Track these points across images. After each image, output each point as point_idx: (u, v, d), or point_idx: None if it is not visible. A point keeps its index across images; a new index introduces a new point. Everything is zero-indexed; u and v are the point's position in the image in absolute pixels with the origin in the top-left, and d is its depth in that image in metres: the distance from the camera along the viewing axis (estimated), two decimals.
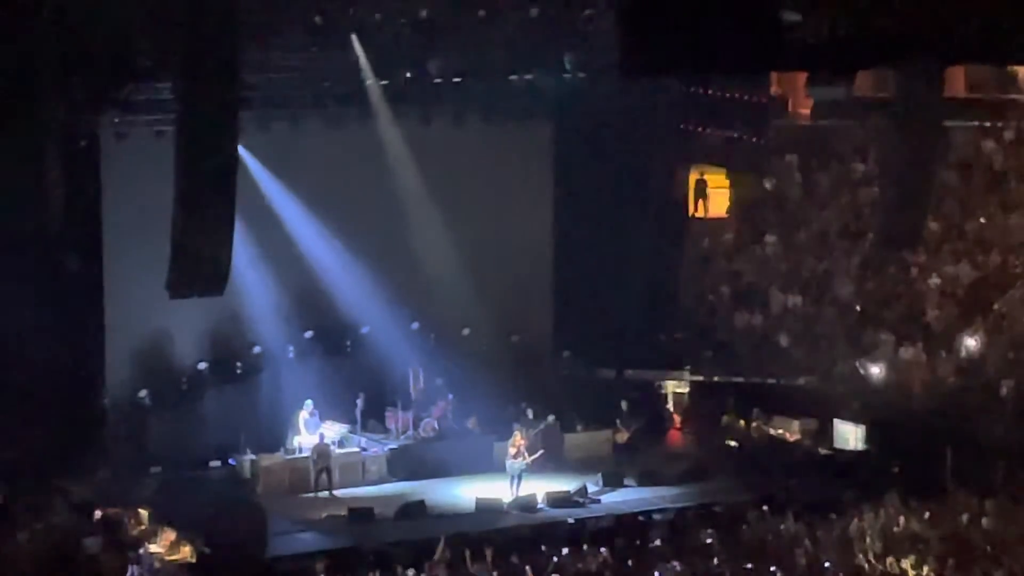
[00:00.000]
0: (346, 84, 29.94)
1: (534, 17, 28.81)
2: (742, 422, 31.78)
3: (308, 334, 31.42)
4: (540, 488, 28.69)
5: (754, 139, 33.45)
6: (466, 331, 32.52)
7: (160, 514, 25.97)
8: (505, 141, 32.90)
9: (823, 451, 30.64)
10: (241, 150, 23.81)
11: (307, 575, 24.68)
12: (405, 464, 30.35)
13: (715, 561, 23.96)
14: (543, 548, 24.87)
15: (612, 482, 29.56)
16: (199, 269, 21.15)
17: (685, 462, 30.83)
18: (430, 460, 30.42)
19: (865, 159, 34.43)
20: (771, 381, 32.32)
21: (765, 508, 26.58)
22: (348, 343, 31.84)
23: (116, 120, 28.54)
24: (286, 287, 30.80)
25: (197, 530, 25.33)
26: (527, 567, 23.67)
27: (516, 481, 28.74)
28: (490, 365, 31.49)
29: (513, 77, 30.98)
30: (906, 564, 23.24)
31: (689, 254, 35.44)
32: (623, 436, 31.81)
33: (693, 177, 36.02)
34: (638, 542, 25.48)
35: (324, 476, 29.41)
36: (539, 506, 28.32)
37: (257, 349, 30.97)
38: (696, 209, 36.18)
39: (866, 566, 23.47)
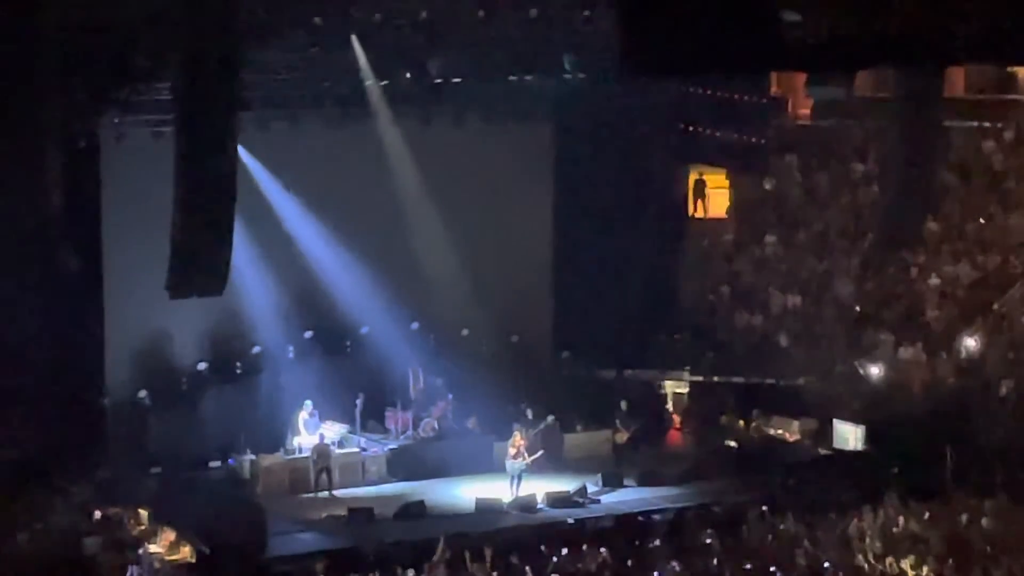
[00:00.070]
0: (346, 84, 29.97)
1: (534, 17, 28.82)
2: (742, 422, 31.76)
3: (308, 334, 31.40)
4: (540, 488, 28.66)
5: (754, 139, 33.40)
6: (466, 331, 32.50)
7: (160, 514, 25.96)
8: (505, 141, 32.84)
9: (823, 451, 30.59)
10: (241, 150, 23.88)
11: (307, 575, 24.68)
12: (405, 464, 30.31)
13: (715, 561, 23.95)
14: (543, 548, 24.85)
15: (612, 482, 29.53)
16: (199, 269, 21.20)
17: (685, 462, 30.78)
18: (430, 460, 30.38)
19: (865, 159, 34.42)
20: (771, 381, 32.27)
21: (765, 508, 26.52)
22: (348, 343, 31.82)
23: (116, 120, 28.55)
24: (286, 287, 30.77)
25: (197, 530, 25.32)
26: (527, 567, 23.65)
27: (516, 481, 28.71)
28: (490, 365, 31.47)
29: (513, 78, 30.99)
30: (906, 564, 23.23)
31: (689, 254, 35.41)
32: (623, 436, 31.73)
33: (692, 177, 36.03)
34: (638, 542, 25.47)
35: (324, 476, 29.38)
36: (539, 506, 28.29)
37: (257, 349, 30.95)
38: (696, 209, 36.20)
39: (866, 566, 23.46)
